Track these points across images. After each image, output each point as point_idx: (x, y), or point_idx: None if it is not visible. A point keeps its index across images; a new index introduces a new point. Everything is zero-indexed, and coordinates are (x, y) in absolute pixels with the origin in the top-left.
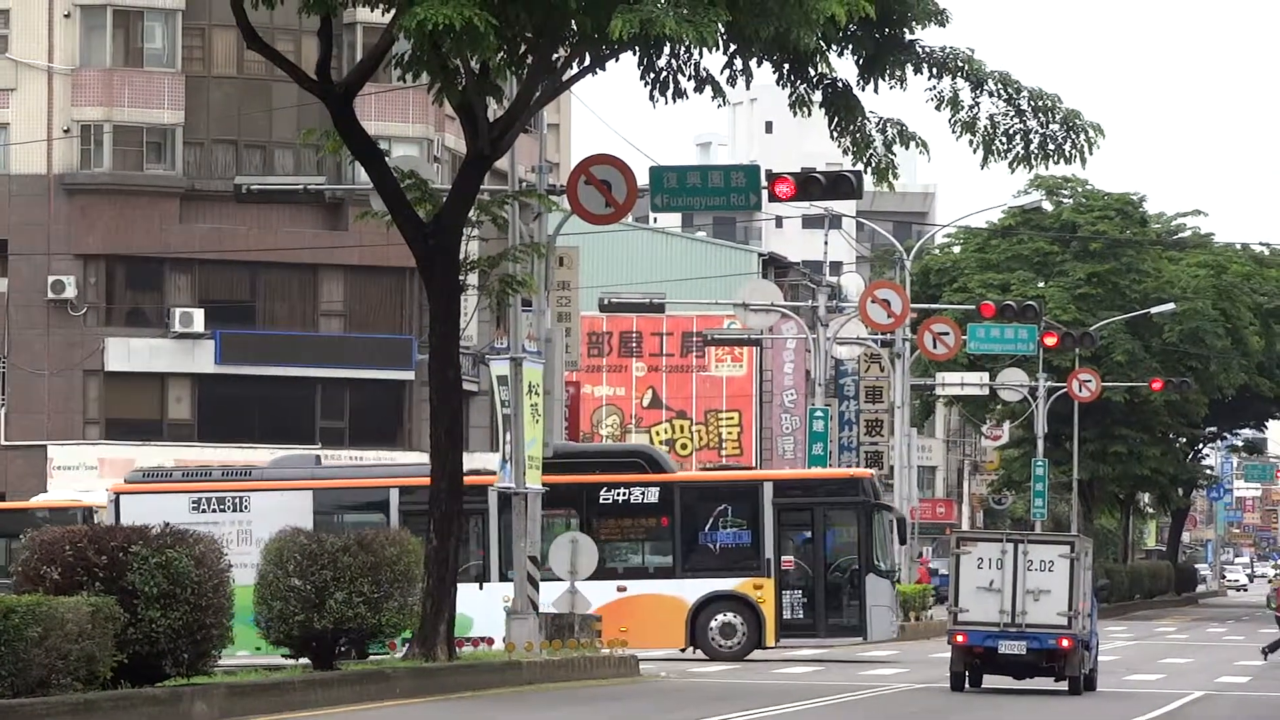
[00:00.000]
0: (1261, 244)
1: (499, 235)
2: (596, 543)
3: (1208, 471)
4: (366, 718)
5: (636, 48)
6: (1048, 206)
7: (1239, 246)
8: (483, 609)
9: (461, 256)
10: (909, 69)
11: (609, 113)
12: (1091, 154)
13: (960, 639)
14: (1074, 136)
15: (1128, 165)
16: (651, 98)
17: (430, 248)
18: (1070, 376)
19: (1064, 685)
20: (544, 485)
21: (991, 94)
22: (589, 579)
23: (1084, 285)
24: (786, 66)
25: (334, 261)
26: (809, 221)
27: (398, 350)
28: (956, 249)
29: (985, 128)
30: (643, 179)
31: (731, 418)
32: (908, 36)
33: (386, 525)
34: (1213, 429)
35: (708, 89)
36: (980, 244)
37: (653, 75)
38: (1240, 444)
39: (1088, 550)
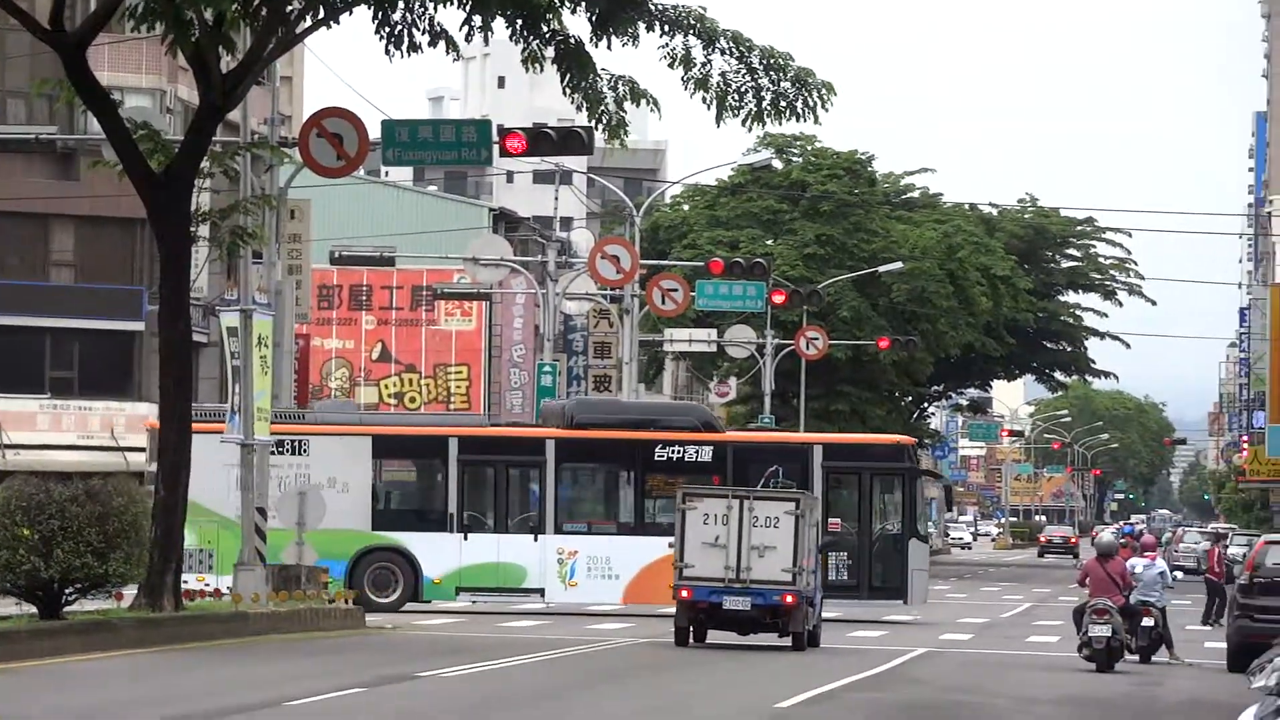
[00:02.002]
0: (991, 204)
1: (230, 187)
2: (649, 499)
3: (932, 430)
4: (91, 667)
5: (370, 1)
6: (778, 165)
7: (968, 207)
8: (536, 561)
9: (193, 208)
10: (641, 26)
11: (342, 66)
12: (826, 110)
13: (685, 594)
14: (806, 94)
15: (858, 125)
16: (387, 52)
17: (162, 199)
18: (798, 334)
19: (788, 641)
20: (601, 440)
21: (723, 52)
22: (638, 535)
23: (812, 244)
24: (520, 22)
25: (65, 211)
26: (540, 177)
27: (128, 301)
28: (686, 206)
29: (718, 85)
30: (375, 132)
31: (460, 372)
32: None
33: (444, 472)
34: (938, 388)
35: (442, 43)
36: (710, 201)
37: (387, 29)
38: (965, 403)
39: (813, 508)
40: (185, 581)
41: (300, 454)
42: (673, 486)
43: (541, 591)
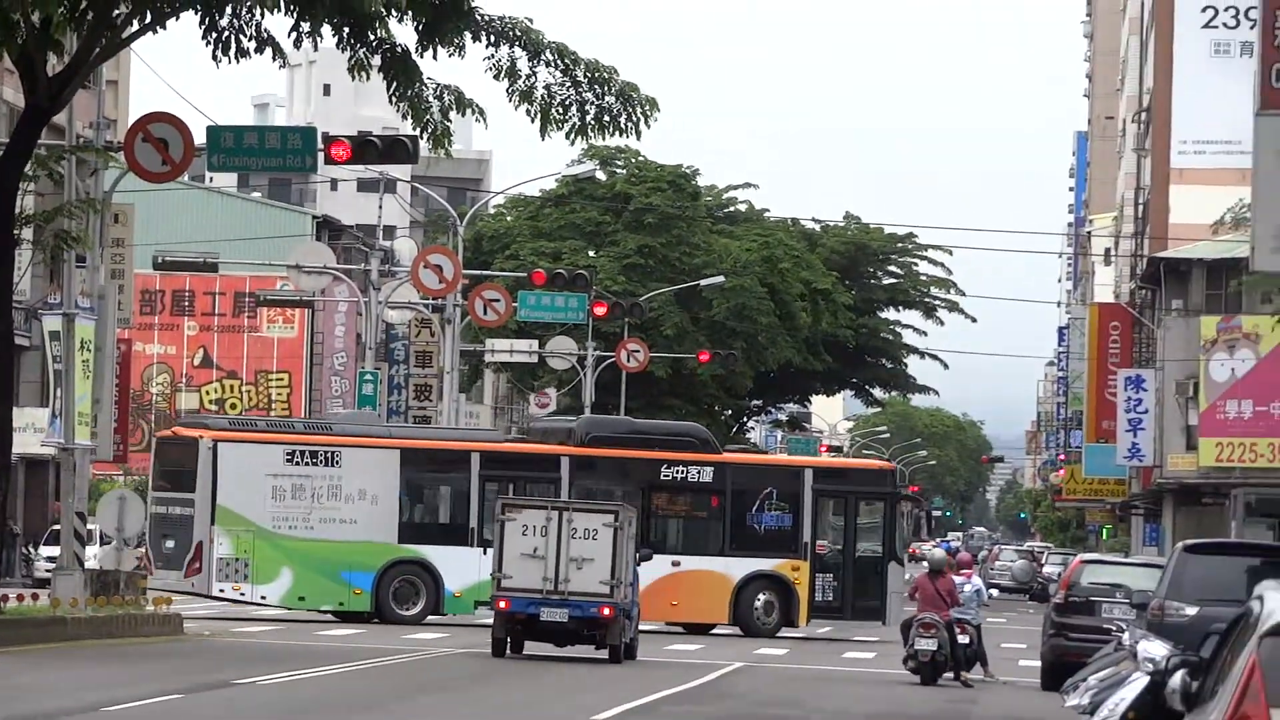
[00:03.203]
0: (814, 219)
1: (55, 190)
2: (654, 518)
3: (751, 444)
4: None
5: (198, 6)
6: (601, 176)
7: (790, 222)
8: None
9: (17, 210)
10: (468, 36)
11: (168, 71)
12: (648, 127)
13: (503, 605)
14: (629, 109)
15: (682, 139)
16: (214, 57)
17: None
18: (619, 346)
19: (605, 653)
20: (612, 458)
21: (549, 64)
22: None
23: (634, 256)
24: (347, 29)
25: None
26: (364, 185)
27: None
28: (509, 216)
29: (542, 98)
30: (200, 138)
31: (282, 379)
32: (468, 4)
33: (466, 486)
34: (758, 403)
35: (269, 50)
36: (533, 212)
37: (215, 35)
38: (784, 418)
39: (631, 520)
40: (221, 590)
41: (333, 465)
42: (675, 506)
43: None
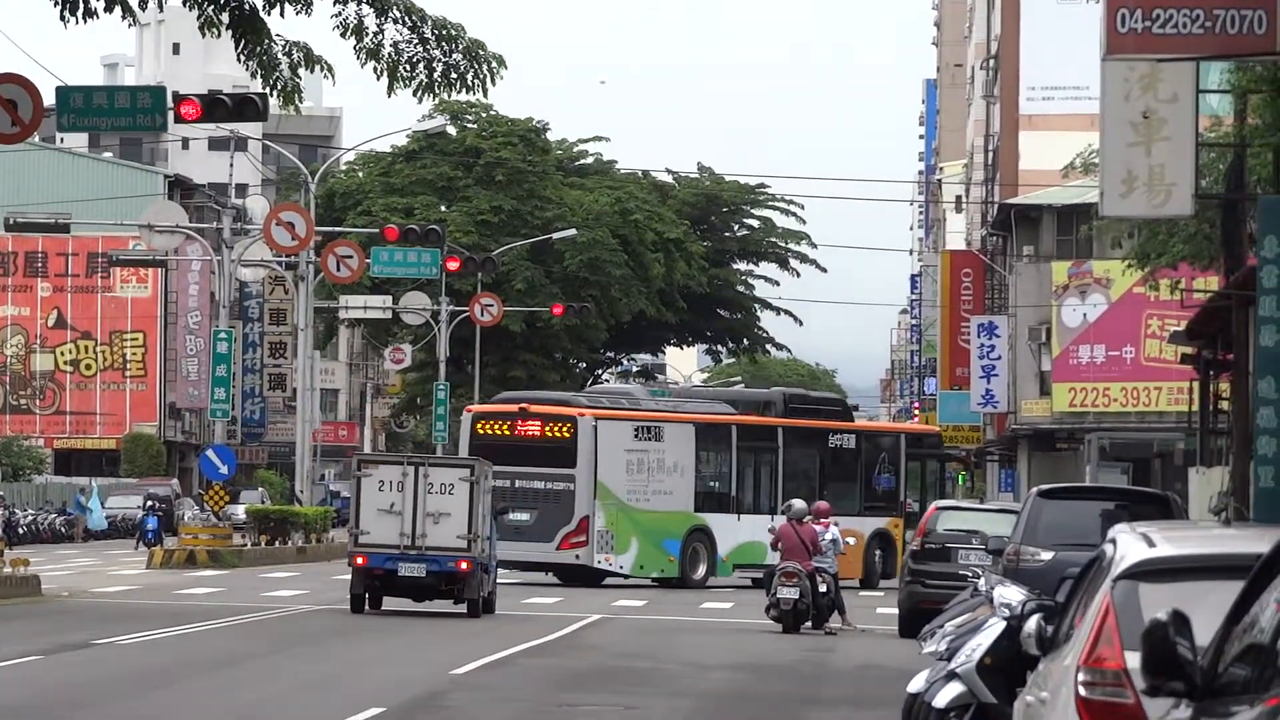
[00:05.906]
0: (669, 170)
1: None
2: (828, 481)
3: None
4: None
5: None
6: (452, 131)
7: (641, 174)
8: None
9: None
10: None
11: (16, 31)
12: (494, 85)
13: (360, 561)
14: (476, 66)
15: (532, 92)
16: (62, 17)
17: None
18: (472, 301)
19: (464, 608)
20: (804, 428)
21: (396, 21)
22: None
23: (487, 211)
24: None
25: None
26: (215, 143)
27: None
28: (361, 173)
29: (389, 55)
30: (50, 98)
31: (136, 339)
32: None
33: (729, 456)
34: (611, 354)
35: (118, 8)
36: (385, 168)
37: None
38: (637, 370)
39: (488, 474)
40: (598, 561)
41: (659, 440)
42: (836, 469)
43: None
